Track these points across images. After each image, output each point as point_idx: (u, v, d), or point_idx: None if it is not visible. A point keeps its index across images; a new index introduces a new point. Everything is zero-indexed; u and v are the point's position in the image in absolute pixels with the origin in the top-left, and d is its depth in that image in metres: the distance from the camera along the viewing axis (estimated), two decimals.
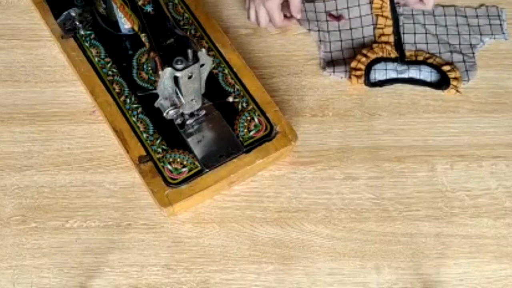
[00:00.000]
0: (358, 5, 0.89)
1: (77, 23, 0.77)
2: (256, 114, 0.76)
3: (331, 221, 0.76)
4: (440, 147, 0.81)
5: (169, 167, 0.72)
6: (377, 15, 0.87)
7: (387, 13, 0.87)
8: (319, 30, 0.88)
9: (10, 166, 0.78)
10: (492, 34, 0.87)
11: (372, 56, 0.84)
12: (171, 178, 0.71)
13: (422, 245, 0.75)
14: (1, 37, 0.86)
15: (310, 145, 0.81)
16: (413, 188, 0.78)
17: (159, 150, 0.73)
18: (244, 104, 0.77)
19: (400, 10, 0.88)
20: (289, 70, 0.86)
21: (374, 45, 0.85)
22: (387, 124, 0.83)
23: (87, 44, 0.79)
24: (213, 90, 0.76)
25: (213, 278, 0.72)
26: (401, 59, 0.84)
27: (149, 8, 0.66)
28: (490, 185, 0.79)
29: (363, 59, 0.84)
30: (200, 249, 0.74)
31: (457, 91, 0.83)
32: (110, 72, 0.78)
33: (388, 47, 0.84)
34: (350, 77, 0.83)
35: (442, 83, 0.83)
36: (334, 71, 0.84)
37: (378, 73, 0.84)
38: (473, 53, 0.86)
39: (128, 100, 0.76)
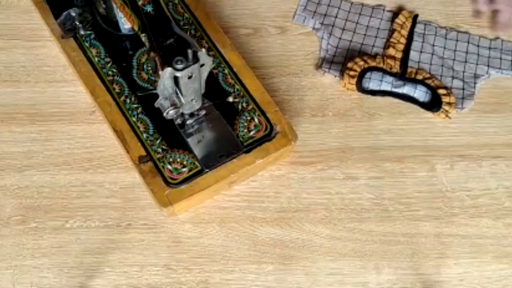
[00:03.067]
0: (381, 19, 0.89)
1: (77, 23, 0.77)
2: (256, 114, 0.76)
3: (331, 221, 0.76)
4: (440, 147, 0.81)
5: (169, 167, 0.72)
6: (394, 30, 0.87)
7: (405, 31, 0.87)
8: (333, 25, 0.88)
9: (10, 166, 0.78)
10: (500, 69, 0.86)
11: (371, 64, 0.84)
12: (171, 178, 0.71)
13: (422, 245, 0.75)
14: (1, 37, 0.86)
15: (310, 145, 0.81)
16: (413, 188, 0.78)
17: (159, 150, 0.73)
18: (244, 104, 0.77)
19: (415, 29, 0.87)
20: (289, 70, 0.86)
21: (378, 56, 0.85)
22: (387, 124, 0.83)
23: (87, 44, 0.79)
24: (213, 90, 0.76)
25: (213, 278, 0.72)
26: (401, 76, 0.83)
27: (149, 8, 0.66)
28: (490, 185, 0.79)
29: (361, 62, 0.83)
30: (200, 249, 0.74)
31: (447, 116, 0.82)
32: (110, 72, 0.78)
33: (391, 62, 0.84)
34: (343, 75, 0.83)
35: (434, 105, 0.82)
36: (330, 69, 0.85)
37: (372, 83, 0.84)
38: (475, 83, 0.84)
39: (128, 100, 0.76)
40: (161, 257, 0.73)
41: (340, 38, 0.88)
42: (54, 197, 0.76)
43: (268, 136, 0.75)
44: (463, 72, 0.85)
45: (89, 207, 0.75)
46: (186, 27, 0.81)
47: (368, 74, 0.84)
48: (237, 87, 0.78)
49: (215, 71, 0.78)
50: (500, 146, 0.81)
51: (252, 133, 0.75)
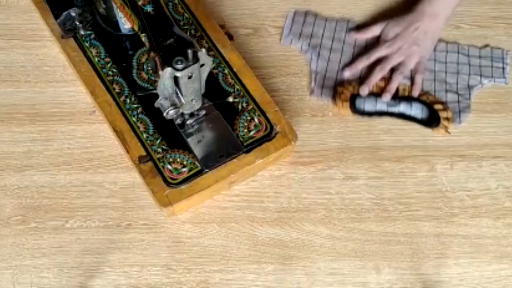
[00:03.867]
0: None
1: (77, 23, 0.77)
2: (256, 114, 0.76)
3: (331, 221, 0.76)
4: (440, 147, 0.81)
5: (169, 167, 0.72)
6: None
7: None
8: (320, 46, 0.86)
9: (10, 166, 0.78)
10: (492, 77, 0.85)
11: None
12: (171, 178, 0.71)
13: (422, 245, 0.75)
14: (1, 37, 0.86)
15: (310, 145, 0.81)
16: (413, 188, 0.78)
17: (159, 150, 0.73)
18: (244, 104, 0.77)
19: None
20: (289, 70, 0.86)
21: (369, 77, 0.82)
22: (387, 124, 0.83)
23: (87, 44, 0.79)
24: (213, 90, 0.76)
25: (213, 278, 0.72)
26: (394, 96, 0.81)
27: (149, 8, 0.66)
28: (490, 185, 0.79)
29: (350, 88, 0.81)
30: (200, 249, 0.74)
31: (447, 131, 0.80)
32: (110, 72, 0.78)
33: (380, 83, 0.82)
34: (335, 102, 0.81)
35: (432, 121, 0.81)
36: (321, 94, 0.83)
37: (368, 103, 0.82)
38: (469, 94, 0.83)
39: (128, 100, 0.76)
40: (161, 257, 0.73)
41: (328, 60, 0.85)
42: (54, 197, 0.76)
43: (268, 136, 0.75)
44: (457, 84, 0.84)
45: (89, 207, 0.75)
46: (186, 27, 0.81)
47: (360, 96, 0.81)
48: (237, 87, 0.78)
49: (215, 71, 0.78)
50: (500, 146, 0.81)
51: (252, 133, 0.75)
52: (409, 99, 0.82)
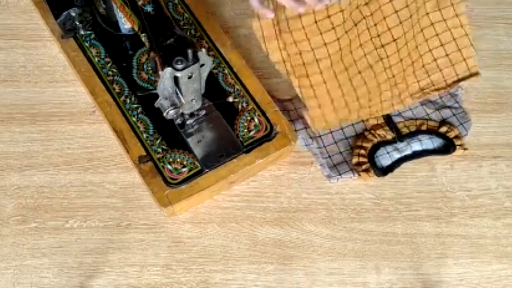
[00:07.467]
0: None
1: (77, 23, 0.77)
2: (256, 114, 0.76)
3: (331, 221, 0.76)
4: None
5: (169, 167, 0.72)
6: None
7: None
8: (305, 128, 0.80)
9: (10, 166, 0.78)
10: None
11: (369, 145, 0.79)
12: (171, 178, 0.71)
13: (422, 245, 0.75)
14: (1, 37, 0.86)
15: None
16: (413, 188, 0.78)
17: (159, 150, 0.73)
18: (244, 104, 0.77)
19: None
20: None
21: (366, 133, 0.80)
22: None
23: (87, 44, 0.79)
24: (213, 90, 0.76)
25: (213, 278, 0.72)
26: (399, 138, 0.79)
27: (149, 8, 0.66)
28: (490, 185, 0.79)
29: (362, 151, 0.78)
30: (200, 249, 0.74)
31: (465, 149, 0.79)
32: (110, 72, 0.78)
33: (381, 132, 0.79)
34: (359, 175, 0.77)
35: (448, 146, 0.79)
36: (340, 175, 0.78)
37: (383, 159, 0.79)
38: (457, 102, 0.82)
39: (128, 100, 0.76)
40: (161, 257, 0.73)
41: (319, 132, 0.80)
42: (54, 197, 0.76)
43: (268, 136, 0.75)
44: (440, 98, 0.82)
45: (89, 207, 0.75)
46: (186, 27, 0.81)
47: (374, 155, 0.79)
48: (237, 87, 0.78)
49: (215, 71, 0.78)
50: (500, 146, 0.81)
51: (252, 133, 0.75)
52: (412, 134, 0.80)
